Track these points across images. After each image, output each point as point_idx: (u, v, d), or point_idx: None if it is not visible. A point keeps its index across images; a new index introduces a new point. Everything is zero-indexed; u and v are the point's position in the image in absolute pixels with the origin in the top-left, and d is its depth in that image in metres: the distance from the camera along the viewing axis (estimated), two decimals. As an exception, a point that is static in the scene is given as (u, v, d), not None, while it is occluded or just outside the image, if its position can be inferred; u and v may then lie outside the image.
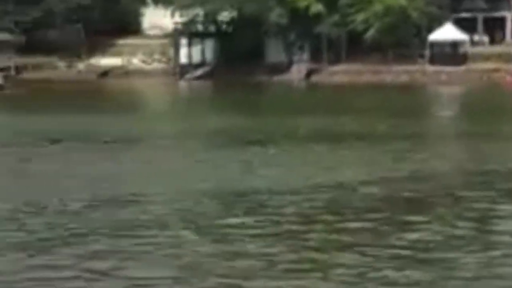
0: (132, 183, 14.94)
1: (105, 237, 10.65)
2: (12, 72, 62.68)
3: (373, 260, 9.50)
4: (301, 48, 64.07)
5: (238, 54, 60.96)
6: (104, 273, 9.03)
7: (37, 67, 65.57)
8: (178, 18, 66.30)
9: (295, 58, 63.65)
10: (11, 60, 64.42)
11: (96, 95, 46.51)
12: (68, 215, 12.06)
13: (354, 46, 60.79)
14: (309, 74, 61.73)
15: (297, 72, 62.19)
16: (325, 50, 62.73)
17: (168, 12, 66.79)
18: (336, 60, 62.34)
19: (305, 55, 63.63)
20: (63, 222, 11.54)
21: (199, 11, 65.60)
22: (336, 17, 61.78)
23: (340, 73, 60.49)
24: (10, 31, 68.70)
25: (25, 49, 65.76)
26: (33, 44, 67.70)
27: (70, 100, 39.34)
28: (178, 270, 9.20)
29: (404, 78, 57.36)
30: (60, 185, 14.65)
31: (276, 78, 59.94)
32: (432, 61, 59.82)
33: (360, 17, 60.72)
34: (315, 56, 62.91)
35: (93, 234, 10.80)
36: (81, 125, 26.43)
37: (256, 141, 21.68)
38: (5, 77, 50.69)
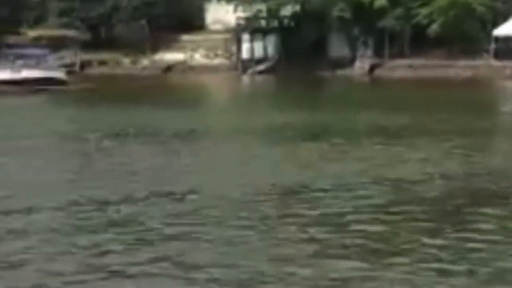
0: (191, 177, 15.08)
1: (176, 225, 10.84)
2: (77, 68, 63.63)
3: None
4: (364, 43, 63.65)
5: (300, 49, 60.88)
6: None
7: (102, 63, 66.47)
8: (240, 13, 66.50)
9: (359, 52, 63.27)
10: (76, 56, 65.41)
11: (160, 90, 46.94)
12: (129, 207, 12.27)
13: (417, 41, 60.13)
14: (372, 68, 61.31)
15: (360, 67, 61.83)
16: (388, 45, 62.22)
17: (231, 8, 67.02)
18: (399, 55, 61.76)
19: (369, 50, 63.23)
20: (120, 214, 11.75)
21: (262, 7, 65.69)
22: (399, 11, 61.22)
23: (403, 67, 59.92)
24: (76, 27, 69.81)
25: (90, 46, 66.70)
26: (98, 40, 68.73)
27: (134, 95, 39.80)
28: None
29: (468, 73, 56.55)
30: (123, 178, 14.87)
31: (339, 72, 59.68)
32: (497, 56, 58.80)
33: (424, 11, 60.04)
34: (378, 51, 62.43)
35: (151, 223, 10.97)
36: (145, 120, 26.70)
37: (315, 136, 21.66)
38: (70, 73, 51.47)
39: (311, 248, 9.90)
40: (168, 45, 67.85)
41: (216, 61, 67.37)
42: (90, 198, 12.91)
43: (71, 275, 8.89)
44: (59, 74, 46.54)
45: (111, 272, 9.02)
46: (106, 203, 12.64)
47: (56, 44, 61.74)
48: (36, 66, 45.49)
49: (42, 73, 44.83)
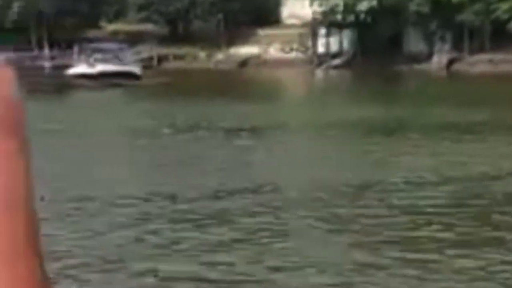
0: (265, 172, 15.01)
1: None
2: (154, 62, 64.32)
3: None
4: (442, 37, 62.73)
5: (376, 43, 60.34)
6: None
7: (178, 57, 67.06)
8: (317, 8, 66.26)
9: (436, 47, 62.39)
10: (153, 51, 66.13)
11: (234, 84, 47.09)
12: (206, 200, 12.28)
13: (498, 36, 58.93)
14: (449, 63, 60.36)
15: (437, 61, 60.95)
16: (467, 40, 61.15)
17: (307, 2, 66.83)
18: (478, 50, 60.65)
19: (447, 45, 62.27)
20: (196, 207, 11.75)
21: (339, 1, 65.34)
22: (478, 6, 60.10)
23: (482, 62, 58.79)
24: (154, 22, 70.61)
25: (167, 40, 67.38)
26: (175, 35, 69.40)
27: (209, 89, 39.98)
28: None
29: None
30: (197, 173, 14.89)
31: (415, 67, 58.92)
32: None
33: (504, 6, 58.81)
34: (457, 46, 61.43)
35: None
36: (219, 114, 26.74)
37: (391, 131, 21.37)
38: (146, 67, 52.06)
39: (384, 240, 9.72)
40: (244, 40, 68.07)
41: (291, 55, 67.28)
42: (160, 193, 12.95)
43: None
44: (135, 69, 46.92)
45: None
46: (184, 197, 12.66)
47: (134, 39, 62.57)
48: (112, 60, 46.03)
49: (117, 67, 45.31)
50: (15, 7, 69.95)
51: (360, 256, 9.23)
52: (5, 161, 0.94)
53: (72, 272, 8.54)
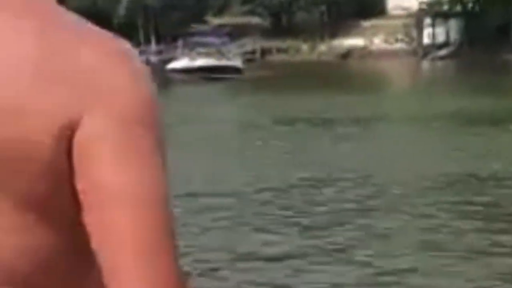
0: (369, 163, 14.83)
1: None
2: (257, 56, 64.57)
3: None
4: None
5: (484, 33, 58.90)
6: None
7: (281, 50, 67.15)
8: (423, -2, 65.25)
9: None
10: (256, 44, 66.41)
11: (338, 75, 46.80)
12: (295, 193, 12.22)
13: None
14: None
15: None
16: None
17: (413, -8, 65.90)
18: None
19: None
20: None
21: (446, -9, 64.18)
22: None
23: None
24: (258, 14, 70.91)
25: (270, 33, 67.55)
26: (278, 27, 69.51)
27: (311, 81, 39.83)
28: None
29: None
30: (300, 164, 14.84)
31: (525, 57, 57.27)
32: None
33: None
34: None
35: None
36: (322, 106, 26.59)
37: (496, 122, 20.79)
38: (249, 61, 52.23)
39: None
40: (347, 31, 67.60)
41: (396, 46, 66.41)
42: (267, 184, 12.95)
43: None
44: (236, 62, 46.85)
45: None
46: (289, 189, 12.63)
47: (238, 32, 62.96)
48: (214, 54, 46.17)
49: (218, 61, 45.36)
50: (124, 1, 71.47)
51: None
52: (145, 157, 0.98)
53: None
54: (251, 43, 65.30)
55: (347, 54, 65.88)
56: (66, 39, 1.01)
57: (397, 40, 67.08)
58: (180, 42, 52.34)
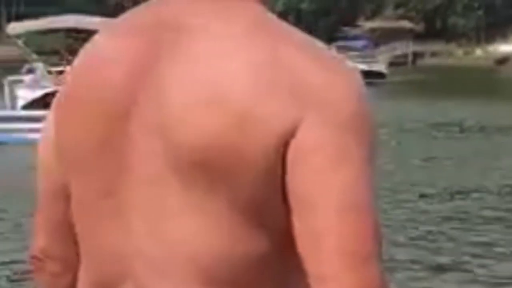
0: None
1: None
2: (409, 60, 63.44)
3: None
4: None
5: None
6: None
7: (434, 54, 65.70)
8: None
9: None
10: (408, 48, 65.28)
11: (491, 82, 45.15)
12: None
13: None
14: None
15: None
16: None
17: None
18: None
19: None
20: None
21: None
22: None
23: None
24: (410, 19, 69.75)
25: (423, 37, 66.24)
26: (431, 31, 68.02)
27: (462, 87, 38.56)
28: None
29: None
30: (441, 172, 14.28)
31: None
32: None
33: None
34: None
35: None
36: (468, 114, 25.59)
37: None
38: (399, 65, 51.26)
39: None
40: (504, 36, 65.27)
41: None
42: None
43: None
44: (378, 67, 45.75)
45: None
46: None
47: (389, 36, 62.09)
48: (356, 59, 45.33)
49: (359, 66, 44.58)
50: (279, 5, 72.08)
51: None
52: (355, 166, 1.03)
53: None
54: (403, 47, 64.23)
55: (503, 59, 63.56)
56: (294, 55, 1.07)
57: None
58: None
